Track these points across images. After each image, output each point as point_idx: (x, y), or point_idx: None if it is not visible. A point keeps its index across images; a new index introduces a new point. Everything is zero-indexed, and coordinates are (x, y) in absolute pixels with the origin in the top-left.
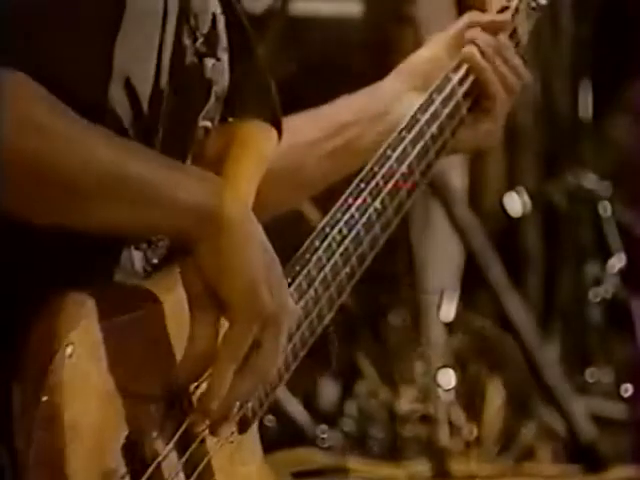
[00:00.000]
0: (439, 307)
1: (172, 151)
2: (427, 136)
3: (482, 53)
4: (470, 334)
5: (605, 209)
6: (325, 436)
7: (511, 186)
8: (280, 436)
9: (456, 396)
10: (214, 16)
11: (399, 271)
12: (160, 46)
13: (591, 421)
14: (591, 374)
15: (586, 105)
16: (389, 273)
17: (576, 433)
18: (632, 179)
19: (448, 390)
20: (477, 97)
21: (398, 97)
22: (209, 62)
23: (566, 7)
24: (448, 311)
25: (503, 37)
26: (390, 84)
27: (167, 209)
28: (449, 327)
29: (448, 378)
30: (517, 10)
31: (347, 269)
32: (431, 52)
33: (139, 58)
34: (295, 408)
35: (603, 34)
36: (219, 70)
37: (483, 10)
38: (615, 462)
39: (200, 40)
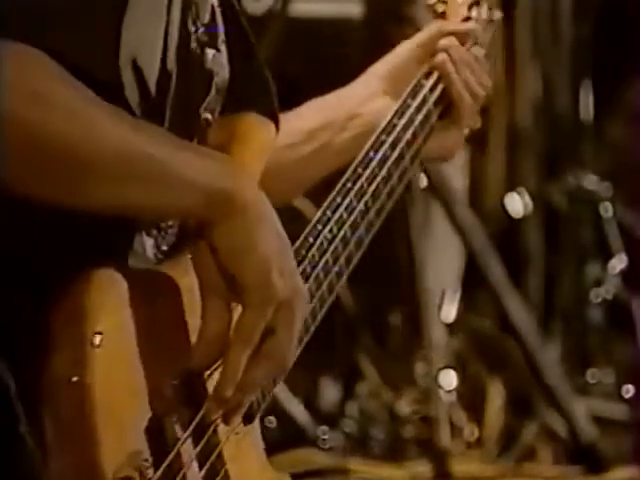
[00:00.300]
0: (440, 308)
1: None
2: (403, 142)
3: (453, 62)
4: (471, 335)
5: (606, 210)
6: (326, 437)
7: (512, 187)
8: (281, 437)
9: (457, 397)
10: (212, 8)
11: (400, 272)
12: (166, 31)
13: (592, 422)
14: (592, 375)
15: (587, 106)
16: (390, 274)
17: (577, 434)
18: (632, 180)
19: (449, 391)
20: (446, 105)
21: (368, 100)
22: (210, 52)
23: (566, 8)
24: (449, 312)
25: (473, 47)
26: (360, 87)
27: (179, 189)
28: (450, 328)
29: (449, 379)
30: (477, 21)
31: (336, 268)
32: (400, 57)
33: (146, 41)
34: (296, 409)
35: (603, 35)
36: (219, 62)
37: (445, 19)
38: (616, 463)
39: (201, 30)
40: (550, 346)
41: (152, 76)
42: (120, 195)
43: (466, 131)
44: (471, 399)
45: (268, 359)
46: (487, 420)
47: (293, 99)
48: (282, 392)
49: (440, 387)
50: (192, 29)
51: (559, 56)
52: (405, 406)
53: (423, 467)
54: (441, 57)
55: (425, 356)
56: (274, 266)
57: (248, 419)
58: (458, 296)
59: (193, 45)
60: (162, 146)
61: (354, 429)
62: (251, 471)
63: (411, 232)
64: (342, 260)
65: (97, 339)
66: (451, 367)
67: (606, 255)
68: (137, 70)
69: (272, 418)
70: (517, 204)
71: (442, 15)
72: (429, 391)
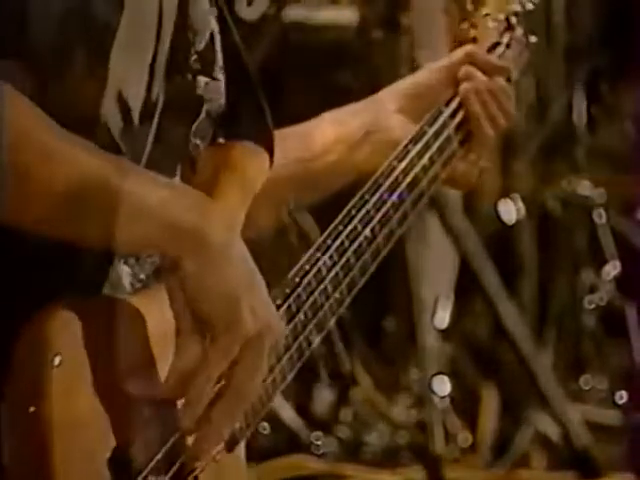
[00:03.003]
0: (433, 314)
1: (160, 166)
2: (418, 167)
3: (476, 91)
4: (464, 341)
5: (600, 216)
6: (320, 443)
7: (505, 193)
8: (274, 443)
9: (451, 403)
10: (212, 35)
11: (393, 277)
12: (153, 61)
13: (586, 428)
14: (586, 381)
15: (580, 112)
16: (383, 279)
17: (571, 440)
18: (626, 186)
19: (443, 397)
20: (467, 133)
21: (386, 117)
22: (202, 80)
23: (559, 13)
24: (443, 318)
25: (499, 79)
26: (379, 103)
27: (145, 223)
28: (444, 334)
29: (443, 385)
30: (509, 46)
31: (337, 294)
32: (422, 78)
33: (132, 71)
34: (289, 415)
35: (597, 41)
36: (214, 89)
37: (475, 42)
38: (610, 469)
39: (194, 57)
40: (544, 352)
41: (137, 106)
42: (97, 229)
43: (484, 162)
44: (465, 405)
45: (232, 393)
46: (481, 426)
47: (285, 105)
48: (275, 398)
49: (434, 393)
50: (184, 56)
51: (553, 62)
52: (399, 412)
53: (417, 473)
54: (464, 85)
55: (419, 362)
56: (243, 302)
57: (230, 446)
58: (452, 302)
59: (184, 72)
60: (140, 184)
61: (348, 435)
62: None
63: (405, 238)
64: (343, 287)
65: (57, 360)
66: (445, 373)
67: (600, 261)
68: (122, 102)
69: (265, 424)
70: (511, 210)
71: (473, 40)
72: (423, 397)
